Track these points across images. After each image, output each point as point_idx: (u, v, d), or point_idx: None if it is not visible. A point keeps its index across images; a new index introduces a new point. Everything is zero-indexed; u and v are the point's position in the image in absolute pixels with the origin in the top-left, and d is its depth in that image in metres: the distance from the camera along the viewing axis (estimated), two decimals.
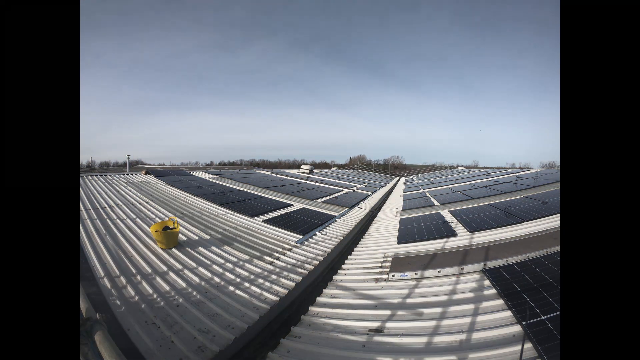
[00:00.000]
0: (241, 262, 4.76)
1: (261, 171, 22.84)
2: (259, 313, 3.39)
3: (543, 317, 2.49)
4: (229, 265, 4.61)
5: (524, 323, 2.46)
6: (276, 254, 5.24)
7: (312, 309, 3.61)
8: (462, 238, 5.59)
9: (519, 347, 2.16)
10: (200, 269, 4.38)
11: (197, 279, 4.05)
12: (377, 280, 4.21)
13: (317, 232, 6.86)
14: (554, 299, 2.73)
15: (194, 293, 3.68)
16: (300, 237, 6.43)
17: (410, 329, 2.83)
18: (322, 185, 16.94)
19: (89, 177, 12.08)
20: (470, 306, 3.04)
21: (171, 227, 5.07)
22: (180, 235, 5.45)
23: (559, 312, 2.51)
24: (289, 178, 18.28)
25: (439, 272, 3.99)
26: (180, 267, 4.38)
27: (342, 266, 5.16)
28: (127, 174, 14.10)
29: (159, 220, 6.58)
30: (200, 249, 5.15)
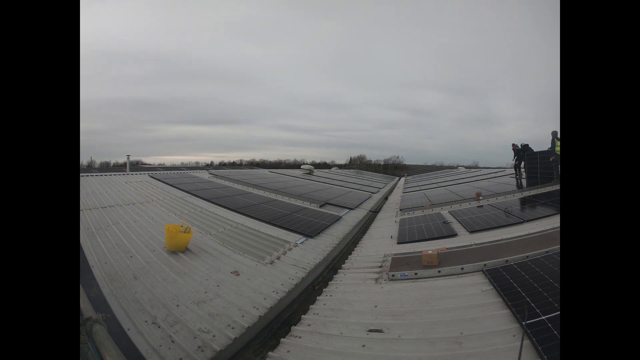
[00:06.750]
0: (241, 262, 4.76)
1: (261, 170, 22.84)
2: (259, 313, 3.40)
3: (543, 317, 2.49)
4: (230, 265, 4.61)
5: (524, 323, 2.46)
6: (276, 254, 5.24)
7: (313, 308, 3.62)
8: (462, 238, 5.60)
9: (518, 347, 2.16)
10: (201, 268, 4.38)
11: (197, 279, 4.05)
12: (377, 280, 4.21)
13: (317, 232, 6.86)
14: (554, 299, 2.73)
15: (194, 293, 3.68)
16: (301, 237, 6.43)
17: (410, 329, 2.83)
18: (322, 185, 16.94)
19: (89, 176, 12.09)
20: (470, 306, 3.04)
21: (183, 232, 4.99)
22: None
23: (559, 312, 2.51)
24: (289, 177, 18.27)
25: (438, 272, 3.99)
26: (180, 267, 4.38)
27: (342, 266, 5.16)
28: (128, 174, 14.12)
29: (159, 220, 6.59)
30: (201, 249, 5.15)
